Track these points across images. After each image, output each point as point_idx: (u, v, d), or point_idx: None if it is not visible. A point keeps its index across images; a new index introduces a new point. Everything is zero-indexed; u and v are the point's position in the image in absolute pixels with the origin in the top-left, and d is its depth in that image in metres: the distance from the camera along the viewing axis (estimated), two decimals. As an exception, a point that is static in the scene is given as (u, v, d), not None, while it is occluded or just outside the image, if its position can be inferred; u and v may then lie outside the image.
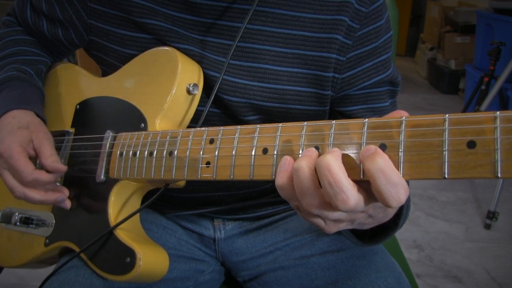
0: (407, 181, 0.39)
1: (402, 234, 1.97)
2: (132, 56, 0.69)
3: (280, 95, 0.67)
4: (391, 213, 0.49)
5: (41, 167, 0.67)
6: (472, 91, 2.72)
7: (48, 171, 0.67)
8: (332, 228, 0.45)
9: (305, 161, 0.40)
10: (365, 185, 0.40)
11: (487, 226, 2.04)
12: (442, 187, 2.41)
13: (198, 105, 0.67)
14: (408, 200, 0.59)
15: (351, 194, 0.38)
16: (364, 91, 0.68)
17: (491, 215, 2.02)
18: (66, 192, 0.69)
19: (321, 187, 0.40)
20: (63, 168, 0.67)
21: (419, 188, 2.38)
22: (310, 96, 0.67)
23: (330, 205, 0.40)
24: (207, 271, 0.81)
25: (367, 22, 0.65)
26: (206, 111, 0.62)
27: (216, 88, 0.63)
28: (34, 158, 0.68)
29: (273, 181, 0.77)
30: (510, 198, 2.28)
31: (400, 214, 0.55)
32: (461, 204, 2.26)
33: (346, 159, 0.41)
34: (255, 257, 0.80)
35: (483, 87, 2.58)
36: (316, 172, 0.40)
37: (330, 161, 0.39)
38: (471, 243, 1.95)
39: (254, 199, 0.80)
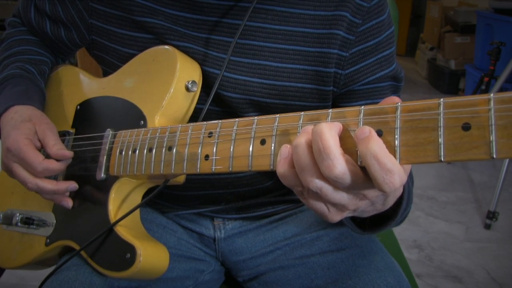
0: (410, 172, 0.39)
1: (402, 234, 1.97)
2: (133, 56, 0.70)
3: (280, 92, 0.67)
4: (390, 201, 0.48)
5: (47, 156, 0.68)
6: (472, 91, 2.73)
7: (56, 160, 0.67)
8: (335, 216, 0.44)
9: (304, 137, 0.41)
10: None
11: (487, 226, 2.04)
12: (442, 187, 2.41)
13: (198, 103, 0.68)
14: (409, 192, 0.58)
15: (338, 163, 0.38)
16: (368, 86, 0.68)
17: (491, 215, 2.02)
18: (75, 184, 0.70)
19: None
20: (69, 154, 0.68)
21: (419, 188, 2.38)
22: (311, 93, 0.67)
23: (328, 180, 0.40)
24: (207, 270, 0.81)
25: (370, 17, 0.65)
26: (206, 108, 0.62)
27: (217, 85, 0.63)
28: (41, 150, 0.69)
29: (271, 179, 0.77)
30: (510, 198, 2.28)
31: (400, 204, 0.55)
32: (461, 204, 2.26)
33: (347, 143, 0.41)
34: (255, 257, 0.80)
35: (483, 87, 2.58)
36: None
37: (323, 128, 0.39)
38: (471, 243, 1.95)
39: (254, 198, 0.80)
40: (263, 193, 0.80)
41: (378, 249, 0.74)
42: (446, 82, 3.91)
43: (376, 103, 0.69)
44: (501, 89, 2.32)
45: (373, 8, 0.65)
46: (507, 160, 2.05)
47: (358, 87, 0.68)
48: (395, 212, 0.55)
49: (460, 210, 2.20)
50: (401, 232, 1.99)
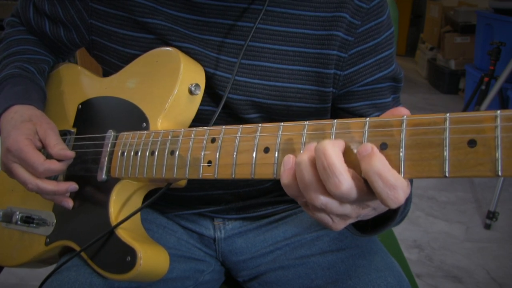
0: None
1: (402, 234, 1.97)
2: (134, 56, 0.70)
3: (281, 93, 0.67)
4: None
5: (48, 157, 0.68)
6: (472, 91, 2.72)
7: (57, 160, 0.67)
8: (339, 225, 0.44)
9: (307, 155, 0.41)
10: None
11: (487, 226, 2.04)
12: (442, 187, 2.41)
13: (201, 105, 0.68)
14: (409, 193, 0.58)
15: (344, 179, 0.38)
16: (367, 87, 0.68)
17: (491, 215, 2.02)
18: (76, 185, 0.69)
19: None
20: (71, 154, 0.68)
21: (419, 188, 2.38)
22: (311, 94, 0.67)
23: (332, 196, 0.40)
24: (207, 271, 0.81)
25: (369, 18, 0.65)
26: (218, 112, 0.62)
27: (228, 90, 0.63)
28: (42, 150, 0.69)
29: (273, 180, 0.77)
30: (510, 198, 2.28)
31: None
32: (461, 204, 2.26)
33: (349, 157, 0.41)
34: (255, 257, 0.80)
35: (483, 87, 2.57)
36: None
37: (326, 146, 0.39)
38: (471, 243, 1.95)
39: (254, 198, 0.80)
40: (263, 194, 0.80)
41: (378, 249, 0.74)
42: (446, 82, 3.91)
43: (376, 104, 0.70)
44: (501, 89, 2.32)
45: (373, 9, 0.65)
46: (507, 160, 2.05)
47: (357, 88, 0.68)
48: (394, 212, 0.55)
49: (460, 210, 2.20)
50: (401, 232, 1.99)
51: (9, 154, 0.67)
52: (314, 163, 0.40)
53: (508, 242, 1.96)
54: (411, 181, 0.66)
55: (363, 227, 0.58)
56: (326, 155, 0.38)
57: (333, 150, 0.39)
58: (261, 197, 0.80)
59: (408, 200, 0.61)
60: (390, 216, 0.55)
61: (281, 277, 0.75)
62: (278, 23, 0.65)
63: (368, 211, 0.45)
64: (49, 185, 0.66)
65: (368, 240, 0.76)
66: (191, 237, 0.83)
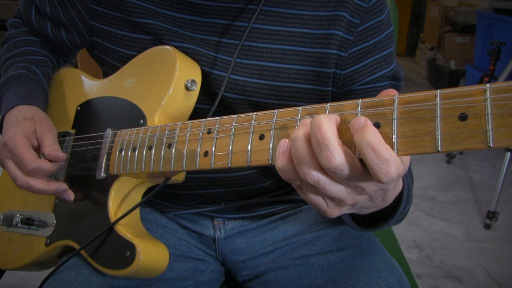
0: (410, 171, 0.38)
1: (402, 234, 1.97)
2: (132, 57, 0.70)
3: (279, 92, 0.67)
4: (390, 197, 0.49)
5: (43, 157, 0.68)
6: (472, 91, 2.72)
7: (49, 161, 0.67)
8: (334, 211, 0.44)
9: (302, 130, 0.41)
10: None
11: (487, 226, 2.04)
12: (442, 187, 2.41)
13: (199, 103, 0.68)
14: (409, 190, 0.58)
15: (337, 153, 0.39)
16: (367, 86, 0.68)
17: (491, 215, 2.02)
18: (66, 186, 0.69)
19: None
20: (63, 155, 0.68)
21: (419, 188, 2.38)
22: (310, 93, 0.67)
23: (325, 173, 0.40)
24: (207, 270, 0.81)
25: (368, 17, 0.65)
26: (213, 109, 0.62)
27: (223, 88, 0.63)
28: (38, 150, 0.69)
29: (271, 178, 0.77)
30: (510, 198, 2.28)
31: (400, 201, 0.55)
32: (461, 204, 2.26)
33: (345, 137, 0.41)
34: (255, 257, 0.80)
35: (483, 87, 2.57)
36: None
37: (321, 120, 0.39)
38: (471, 243, 1.95)
39: (254, 197, 0.80)
40: (263, 193, 0.80)
41: (378, 249, 0.74)
42: (446, 82, 3.90)
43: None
44: (501, 89, 2.32)
45: (372, 8, 0.65)
46: (507, 160, 2.05)
47: (357, 87, 0.68)
48: (394, 209, 0.55)
49: (460, 210, 2.20)
50: (401, 232, 1.99)
51: (4, 149, 0.67)
52: (309, 138, 0.41)
53: (508, 242, 1.96)
54: (411, 177, 0.66)
55: (363, 222, 0.58)
56: (320, 129, 0.39)
57: (328, 124, 0.39)
58: (261, 196, 0.80)
59: (409, 198, 0.61)
60: (390, 213, 0.55)
61: (281, 277, 0.75)
62: (277, 23, 0.65)
63: (364, 200, 0.45)
64: (38, 184, 0.66)
65: (368, 240, 0.76)
66: (191, 237, 0.83)
